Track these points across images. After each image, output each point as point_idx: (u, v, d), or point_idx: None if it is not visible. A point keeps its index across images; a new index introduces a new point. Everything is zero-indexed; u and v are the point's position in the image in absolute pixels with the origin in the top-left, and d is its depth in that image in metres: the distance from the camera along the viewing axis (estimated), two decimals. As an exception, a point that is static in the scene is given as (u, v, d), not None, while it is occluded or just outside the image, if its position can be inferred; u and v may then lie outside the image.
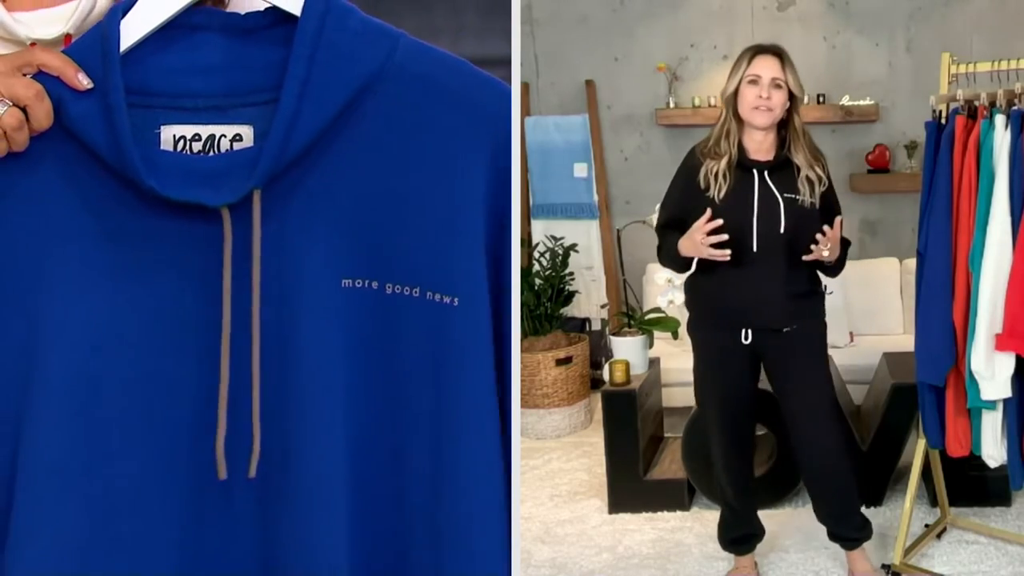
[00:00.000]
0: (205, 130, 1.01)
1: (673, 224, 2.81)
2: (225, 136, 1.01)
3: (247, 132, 1.01)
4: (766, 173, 2.73)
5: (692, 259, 2.78)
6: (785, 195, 2.71)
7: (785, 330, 2.76)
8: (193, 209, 0.97)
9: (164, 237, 0.99)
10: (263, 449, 0.98)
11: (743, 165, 2.74)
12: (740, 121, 2.74)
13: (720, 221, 2.63)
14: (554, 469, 4.12)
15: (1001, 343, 2.59)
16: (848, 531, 2.95)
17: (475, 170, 1.03)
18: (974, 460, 2.83)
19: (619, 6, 5.26)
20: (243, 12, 1.04)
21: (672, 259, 2.82)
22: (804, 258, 2.68)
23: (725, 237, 2.63)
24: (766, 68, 2.70)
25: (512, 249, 1.08)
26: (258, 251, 0.98)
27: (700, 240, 2.63)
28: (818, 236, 2.65)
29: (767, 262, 2.70)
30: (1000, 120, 2.64)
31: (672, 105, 5.19)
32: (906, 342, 3.45)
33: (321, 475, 0.99)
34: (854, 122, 5.08)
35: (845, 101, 5.03)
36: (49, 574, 0.96)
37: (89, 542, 0.97)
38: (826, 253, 2.67)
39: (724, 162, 2.71)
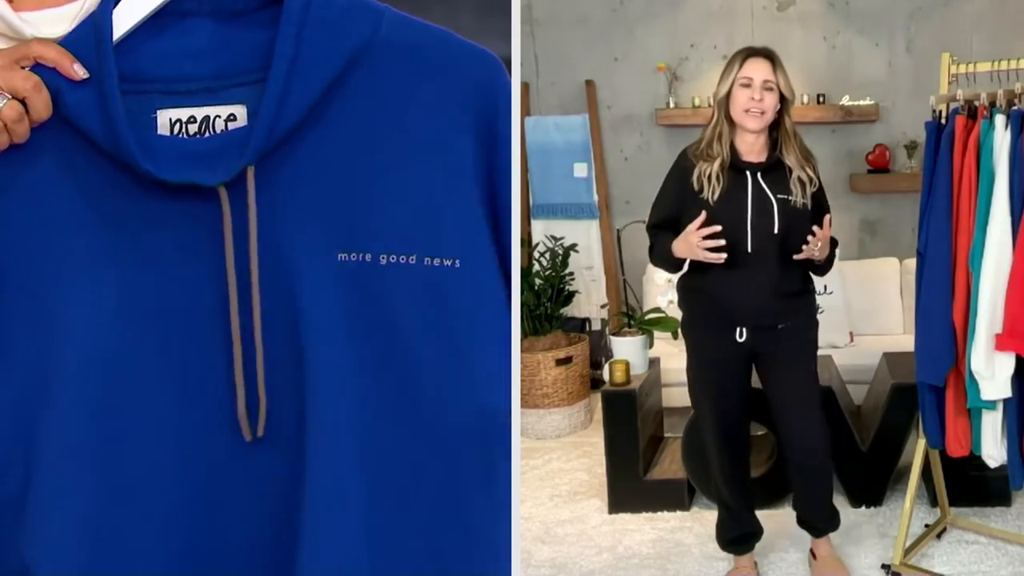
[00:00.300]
0: (200, 112, 1.03)
1: (666, 225, 2.83)
2: (220, 117, 1.03)
3: (240, 112, 1.03)
4: (759, 174, 2.75)
5: (684, 260, 2.80)
6: (778, 196, 2.73)
7: (780, 327, 2.78)
8: (190, 190, 1.00)
9: (165, 219, 1.01)
10: (270, 419, 1.01)
11: (736, 167, 2.75)
12: (732, 123, 2.76)
13: (718, 228, 2.64)
14: (554, 469, 4.12)
15: (1001, 343, 2.59)
16: (818, 521, 3.06)
17: (463, 136, 1.04)
18: (974, 460, 2.83)
19: (619, 6, 5.25)
20: None
21: (664, 259, 2.84)
22: (795, 257, 2.69)
23: (722, 242, 2.64)
24: (758, 71, 2.72)
25: (512, 249, 1.09)
26: (254, 228, 1.00)
27: (696, 243, 2.64)
28: (809, 237, 2.66)
29: (761, 262, 2.72)
30: (1000, 120, 2.64)
31: (672, 105, 5.19)
32: (906, 342, 3.46)
33: (326, 442, 1.01)
34: (854, 122, 5.08)
35: (845, 101, 5.03)
36: (69, 551, 0.99)
37: (107, 521, 1.00)
38: (817, 252, 2.69)
39: (717, 164, 2.72)
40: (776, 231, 2.71)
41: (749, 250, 2.71)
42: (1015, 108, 2.65)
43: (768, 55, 2.76)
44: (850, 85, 5.09)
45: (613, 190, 5.38)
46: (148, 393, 1.01)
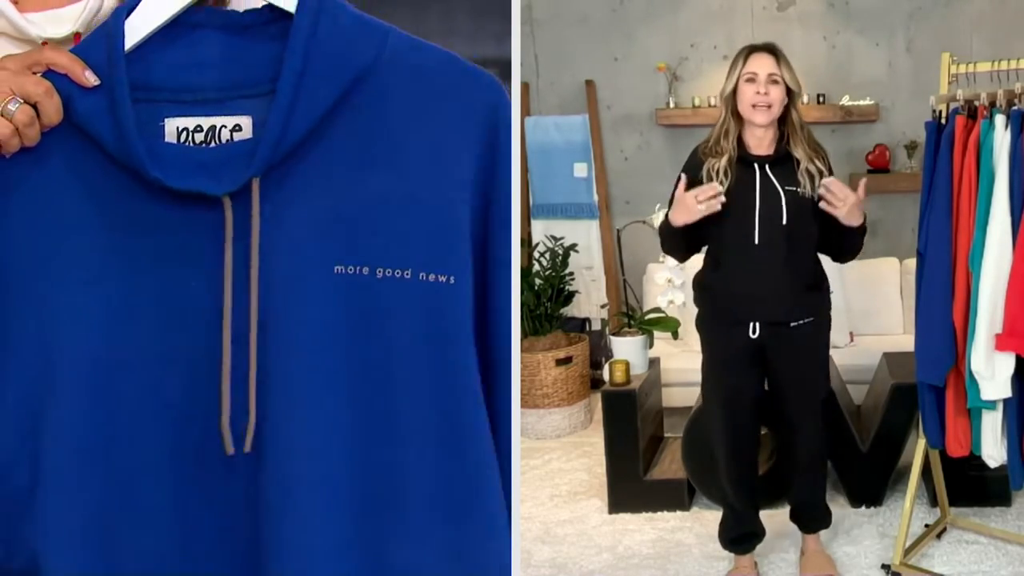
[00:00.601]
0: (206, 121, 1.06)
1: None
2: (225, 127, 1.06)
3: (246, 123, 1.06)
4: (767, 167, 2.76)
5: (693, 244, 2.83)
6: (786, 188, 2.74)
7: (792, 325, 2.79)
8: (196, 198, 1.02)
9: (169, 226, 1.03)
10: (259, 427, 1.02)
11: (744, 160, 2.76)
12: (740, 120, 2.78)
13: (715, 186, 2.66)
14: (554, 469, 4.12)
15: (1001, 343, 2.59)
16: (810, 520, 3.11)
17: (463, 157, 1.07)
18: (974, 460, 2.83)
19: (619, 6, 5.25)
20: (242, 10, 1.09)
21: (670, 238, 2.83)
22: (821, 205, 2.68)
23: (719, 189, 2.64)
24: (762, 65, 2.73)
25: (512, 249, 1.11)
26: (257, 239, 1.01)
27: (691, 203, 2.64)
28: (823, 186, 2.67)
29: (770, 254, 2.73)
30: (1000, 120, 2.64)
31: (672, 105, 5.19)
32: (906, 342, 3.46)
33: (313, 452, 1.02)
34: (854, 122, 5.08)
35: (845, 101, 5.03)
36: (76, 548, 1.01)
37: (109, 519, 1.03)
38: (842, 211, 2.67)
39: (724, 159, 2.74)
40: (784, 222, 2.72)
41: (757, 242, 2.72)
42: (1015, 108, 2.65)
43: (771, 49, 2.78)
44: (850, 85, 5.09)
45: (613, 190, 5.37)
46: (145, 395, 1.03)
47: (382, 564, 1.03)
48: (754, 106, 2.72)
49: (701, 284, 2.89)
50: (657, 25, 5.23)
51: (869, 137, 5.12)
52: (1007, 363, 2.61)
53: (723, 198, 2.65)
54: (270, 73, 1.04)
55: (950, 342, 2.69)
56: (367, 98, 1.05)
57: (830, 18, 5.12)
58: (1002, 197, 2.61)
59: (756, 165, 2.75)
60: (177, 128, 1.05)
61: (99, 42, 1.05)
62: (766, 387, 2.93)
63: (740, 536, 3.05)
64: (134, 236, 1.03)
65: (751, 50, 2.78)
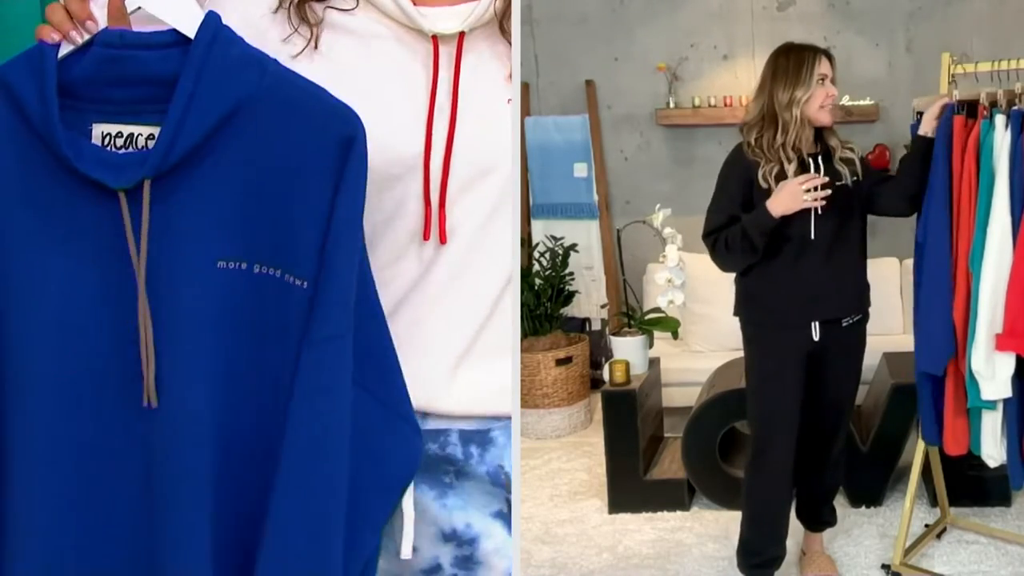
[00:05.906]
0: (126, 129, 1.20)
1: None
2: (141, 135, 1.20)
3: (158, 132, 1.19)
4: (818, 161, 2.77)
5: (759, 245, 2.69)
6: (836, 183, 2.75)
7: (844, 323, 2.80)
8: (100, 188, 1.18)
9: (76, 211, 1.19)
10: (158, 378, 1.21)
11: (801, 162, 2.76)
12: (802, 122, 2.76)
13: (824, 176, 2.67)
14: (554, 469, 4.13)
15: (1001, 343, 2.59)
16: (818, 518, 3.09)
17: (325, 176, 1.23)
18: (974, 460, 2.83)
19: (619, 6, 5.25)
20: (149, 30, 1.23)
21: (757, 226, 2.66)
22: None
23: (825, 178, 2.65)
24: (828, 67, 2.78)
25: (512, 249, 1.12)
26: (146, 231, 1.17)
27: (799, 189, 2.60)
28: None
29: (827, 253, 2.72)
30: (1000, 120, 2.64)
31: (672, 105, 5.18)
32: (906, 342, 3.45)
33: (193, 416, 1.21)
34: (854, 122, 5.07)
35: (845, 101, 5.02)
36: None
37: (56, 442, 1.22)
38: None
39: (792, 162, 2.73)
40: (837, 215, 2.73)
41: (812, 237, 2.69)
42: (1015, 108, 2.65)
43: (827, 54, 2.81)
44: (850, 85, 5.08)
45: (613, 190, 5.37)
46: (55, 354, 1.20)
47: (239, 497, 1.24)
48: (822, 107, 2.75)
49: (757, 292, 2.79)
50: (657, 25, 5.22)
51: (869, 137, 5.11)
52: (1007, 363, 2.61)
53: (828, 191, 2.64)
54: (171, 92, 1.18)
55: (950, 331, 2.68)
56: (249, 122, 1.20)
57: (830, 18, 5.12)
58: (1002, 197, 2.61)
59: (810, 161, 2.76)
60: (103, 133, 1.20)
61: (34, 54, 1.18)
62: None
63: (766, 561, 2.93)
64: (45, 215, 1.17)
65: (817, 52, 2.79)
